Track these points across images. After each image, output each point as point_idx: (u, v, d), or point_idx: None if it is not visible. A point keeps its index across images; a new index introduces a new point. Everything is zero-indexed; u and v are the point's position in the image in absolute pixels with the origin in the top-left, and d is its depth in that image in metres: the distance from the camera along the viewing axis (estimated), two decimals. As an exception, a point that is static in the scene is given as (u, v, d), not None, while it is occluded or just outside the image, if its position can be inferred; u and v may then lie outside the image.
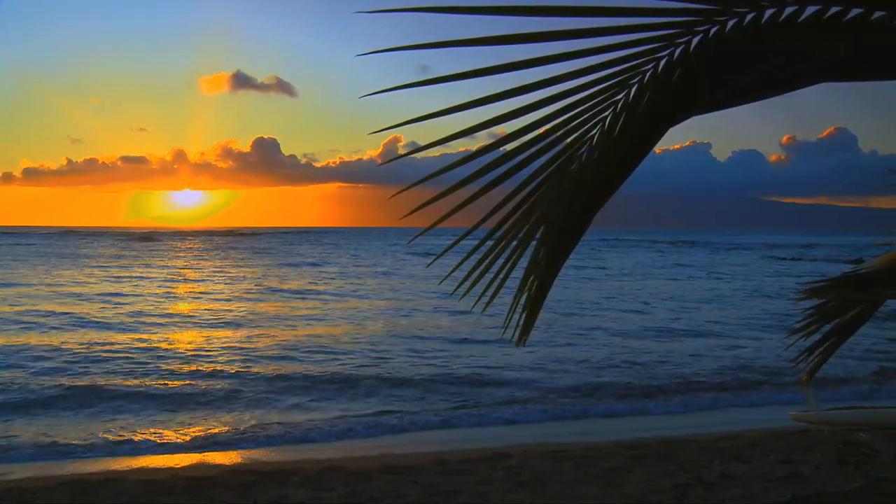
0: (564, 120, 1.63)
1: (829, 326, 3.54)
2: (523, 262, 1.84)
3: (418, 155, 1.67)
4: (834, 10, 1.49)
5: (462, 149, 1.67)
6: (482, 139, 1.71)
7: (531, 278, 1.83)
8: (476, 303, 1.89)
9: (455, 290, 1.87)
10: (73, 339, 16.25)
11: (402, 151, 1.73)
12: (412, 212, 1.67)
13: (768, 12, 1.50)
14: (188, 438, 9.26)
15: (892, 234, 3.59)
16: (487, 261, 1.81)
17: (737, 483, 6.67)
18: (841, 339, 3.58)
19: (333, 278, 36.83)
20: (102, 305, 22.70)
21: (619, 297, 27.69)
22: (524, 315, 1.86)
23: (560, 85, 1.57)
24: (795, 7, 1.49)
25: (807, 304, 3.54)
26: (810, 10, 1.49)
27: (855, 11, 1.48)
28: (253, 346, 15.99)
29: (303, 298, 26.21)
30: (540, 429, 10.01)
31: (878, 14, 1.49)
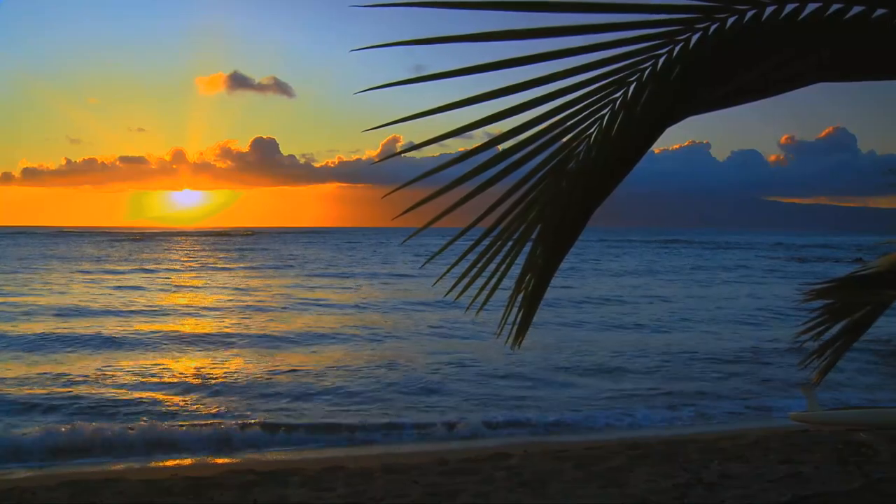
0: (562, 118, 1.61)
1: (838, 327, 3.51)
2: (519, 263, 1.81)
3: (417, 154, 1.65)
4: (835, 7, 1.47)
5: (461, 148, 1.65)
6: (480, 138, 1.69)
7: (527, 277, 1.81)
8: (471, 304, 1.86)
9: (448, 292, 1.85)
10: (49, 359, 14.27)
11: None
12: (405, 212, 1.65)
13: (769, 10, 1.48)
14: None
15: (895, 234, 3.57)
16: (484, 260, 1.79)
17: (737, 483, 6.64)
18: (850, 339, 3.54)
19: (333, 280, 36.79)
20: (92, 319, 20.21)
21: (620, 298, 27.66)
22: (520, 315, 1.84)
23: (558, 82, 1.55)
24: (796, 5, 1.47)
25: (813, 305, 3.51)
26: (811, 7, 1.47)
27: (856, 9, 1.47)
28: (246, 365, 14.38)
29: (300, 304, 25.89)
30: (541, 429, 9.98)
31: (879, 12, 1.47)
